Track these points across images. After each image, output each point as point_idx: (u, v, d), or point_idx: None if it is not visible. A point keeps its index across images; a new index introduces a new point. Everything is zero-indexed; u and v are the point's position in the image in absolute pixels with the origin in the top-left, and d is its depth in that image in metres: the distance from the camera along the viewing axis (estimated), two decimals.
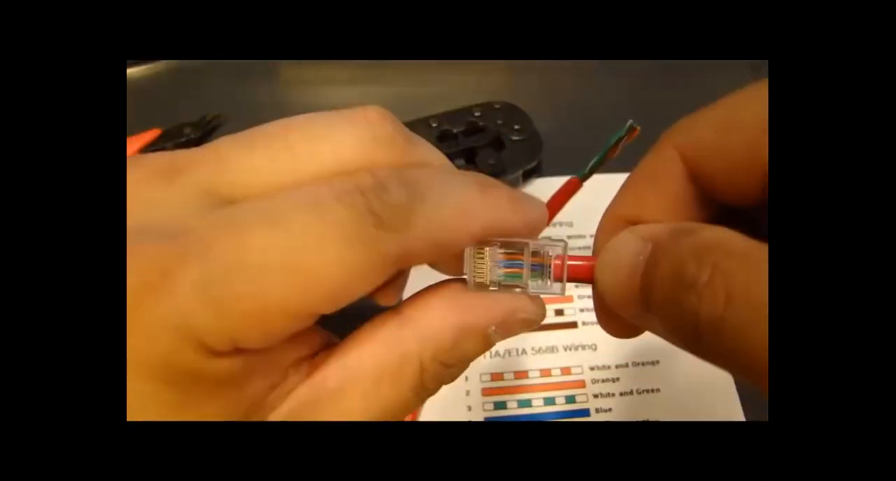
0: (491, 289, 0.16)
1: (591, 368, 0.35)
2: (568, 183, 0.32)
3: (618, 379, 0.34)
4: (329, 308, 0.14)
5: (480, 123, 0.42)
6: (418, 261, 0.15)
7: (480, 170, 0.40)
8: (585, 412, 0.33)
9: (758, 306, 0.13)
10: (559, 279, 0.17)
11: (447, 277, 0.17)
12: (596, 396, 0.34)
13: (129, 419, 0.13)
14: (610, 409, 0.33)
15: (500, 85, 0.49)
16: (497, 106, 0.43)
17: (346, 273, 0.14)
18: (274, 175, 0.15)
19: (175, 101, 0.48)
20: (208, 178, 0.15)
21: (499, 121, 0.42)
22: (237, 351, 0.14)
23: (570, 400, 0.34)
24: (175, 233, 0.13)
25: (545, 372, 0.34)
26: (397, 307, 0.16)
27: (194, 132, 0.46)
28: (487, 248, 0.16)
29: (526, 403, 0.33)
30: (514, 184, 0.41)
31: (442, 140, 0.42)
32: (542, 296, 0.17)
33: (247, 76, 0.49)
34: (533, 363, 0.35)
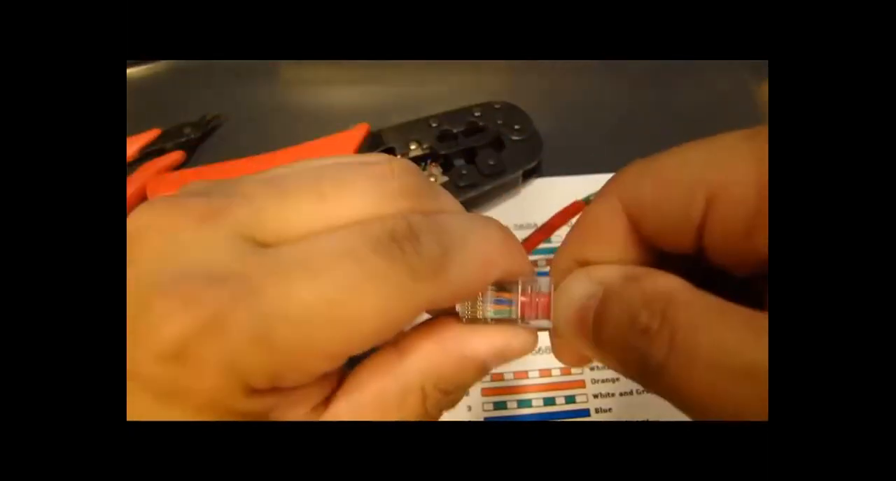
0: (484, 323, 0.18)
1: (591, 368, 0.35)
2: (572, 205, 0.32)
3: (618, 379, 0.34)
4: (362, 350, 0.15)
5: (480, 123, 0.42)
6: (442, 306, 0.17)
7: (480, 170, 0.40)
8: (585, 412, 0.33)
9: (695, 354, 0.14)
10: (547, 316, 0.18)
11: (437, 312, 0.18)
12: (596, 396, 0.34)
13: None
14: (610, 409, 0.33)
15: (500, 85, 0.49)
16: (497, 106, 0.43)
17: (383, 321, 0.15)
18: (307, 222, 0.16)
19: (175, 101, 0.48)
20: (245, 223, 0.15)
21: (499, 122, 0.42)
22: (272, 389, 0.15)
23: (570, 400, 0.34)
24: (222, 276, 0.14)
25: (545, 373, 0.34)
26: (396, 342, 0.17)
27: (194, 132, 0.46)
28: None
29: (526, 403, 0.33)
30: (514, 184, 0.41)
31: (442, 140, 0.42)
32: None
33: (247, 76, 0.49)
34: (533, 363, 0.35)
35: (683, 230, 0.17)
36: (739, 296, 0.15)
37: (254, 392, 0.14)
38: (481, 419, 0.33)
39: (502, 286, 0.18)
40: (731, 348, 0.14)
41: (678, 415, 0.15)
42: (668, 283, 0.16)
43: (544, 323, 0.18)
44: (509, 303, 0.18)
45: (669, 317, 0.15)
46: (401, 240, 0.15)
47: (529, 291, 0.18)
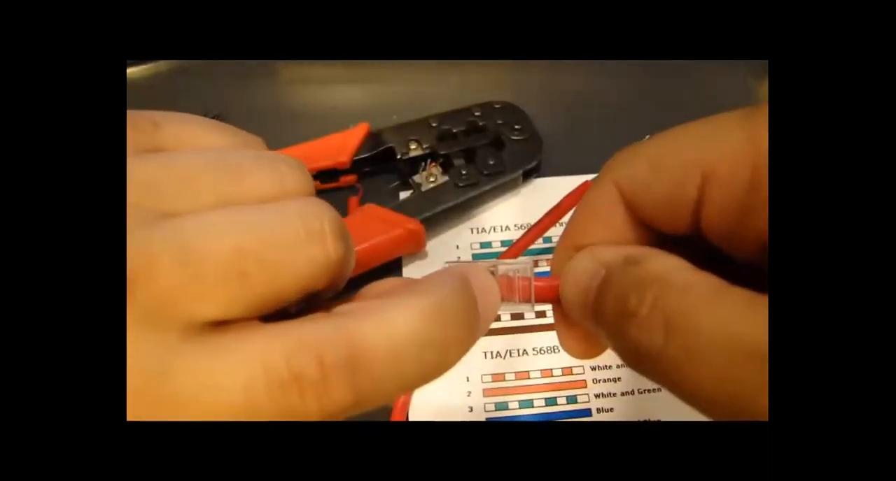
0: None
1: (593, 368, 0.34)
2: (583, 185, 0.32)
3: (619, 379, 0.34)
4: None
5: (480, 123, 0.42)
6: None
7: (480, 170, 0.40)
8: (587, 412, 0.33)
9: (697, 338, 0.14)
10: (527, 300, 0.19)
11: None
12: (597, 396, 0.34)
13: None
14: (611, 409, 0.33)
15: (500, 85, 0.49)
16: (497, 106, 0.43)
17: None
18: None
19: (175, 101, 0.48)
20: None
21: (499, 121, 0.42)
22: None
23: (572, 400, 0.34)
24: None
25: (546, 373, 0.34)
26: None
27: None
28: None
29: (527, 404, 0.33)
30: (514, 184, 0.41)
31: (442, 140, 0.42)
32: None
33: (247, 76, 0.49)
34: (534, 363, 0.35)
35: (679, 211, 0.17)
36: (744, 280, 0.15)
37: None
38: (483, 420, 0.33)
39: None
40: (735, 331, 0.13)
41: (679, 415, 0.15)
42: (666, 264, 0.16)
43: (525, 306, 0.19)
44: None
45: (663, 300, 0.14)
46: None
47: (510, 275, 0.18)
